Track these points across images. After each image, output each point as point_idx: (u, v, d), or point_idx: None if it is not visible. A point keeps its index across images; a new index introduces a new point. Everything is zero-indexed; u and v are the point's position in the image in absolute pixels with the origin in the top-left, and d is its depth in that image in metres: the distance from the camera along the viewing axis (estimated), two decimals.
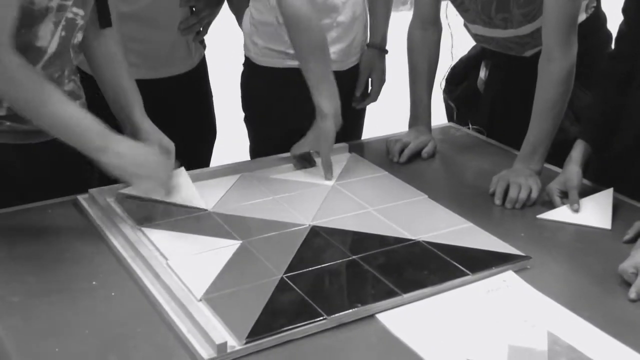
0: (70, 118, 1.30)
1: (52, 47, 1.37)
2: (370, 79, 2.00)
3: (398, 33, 1.98)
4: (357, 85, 1.98)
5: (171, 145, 1.47)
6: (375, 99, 2.02)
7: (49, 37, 1.36)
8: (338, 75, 1.68)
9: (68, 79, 1.47)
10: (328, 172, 1.60)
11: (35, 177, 1.47)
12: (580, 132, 1.57)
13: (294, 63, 1.76)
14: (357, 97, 2.00)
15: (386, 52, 2.00)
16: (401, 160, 1.73)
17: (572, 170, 1.52)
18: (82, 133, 1.30)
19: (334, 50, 1.81)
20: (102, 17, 1.46)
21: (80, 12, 1.39)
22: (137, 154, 1.33)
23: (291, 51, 1.76)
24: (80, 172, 1.55)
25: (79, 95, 1.53)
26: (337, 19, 1.83)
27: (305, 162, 1.65)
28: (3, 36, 1.26)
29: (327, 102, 1.59)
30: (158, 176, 1.37)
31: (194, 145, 1.96)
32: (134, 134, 1.48)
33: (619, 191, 1.55)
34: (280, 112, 1.85)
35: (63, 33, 1.38)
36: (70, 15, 1.38)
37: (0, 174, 1.43)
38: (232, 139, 1.96)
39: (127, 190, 1.44)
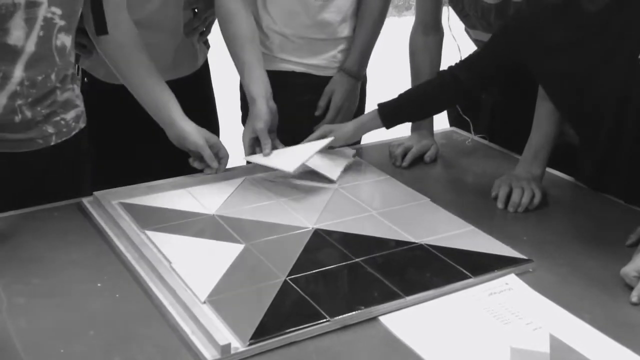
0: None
1: (30, 47, 1.35)
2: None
3: (401, 38, 1.98)
4: (317, 106, 1.88)
5: (214, 139, 1.56)
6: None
7: (22, 36, 1.34)
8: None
9: (62, 87, 1.46)
10: (266, 148, 1.60)
11: (24, 185, 1.47)
12: (381, 105, 1.65)
13: (282, 67, 1.79)
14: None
15: (356, 77, 1.89)
16: (404, 165, 1.74)
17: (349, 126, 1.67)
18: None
19: (324, 57, 1.83)
20: (97, 23, 1.45)
21: (58, 11, 1.36)
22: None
23: (276, 55, 1.78)
24: (72, 180, 1.55)
25: (76, 105, 1.53)
26: (335, 36, 1.84)
27: (256, 147, 1.66)
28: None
29: (255, 86, 1.63)
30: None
31: None
32: (177, 134, 1.53)
33: (620, 197, 1.56)
34: None
35: (41, 33, 1.36)
36: (48, 14, 1.35)
37: None
38: (234, 140, 1.97)
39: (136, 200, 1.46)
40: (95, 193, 1.48)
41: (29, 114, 1.42)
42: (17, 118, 1.40)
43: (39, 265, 1.27)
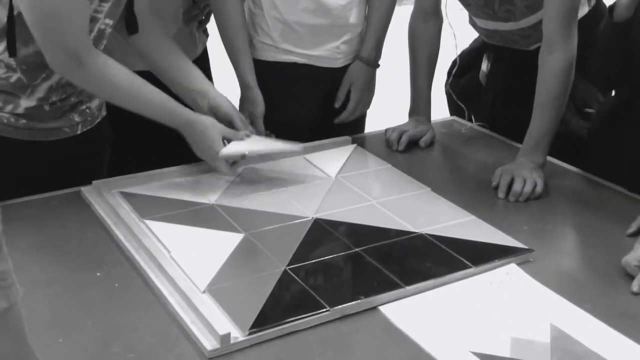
0: (156, 104, 1.43)
1: None
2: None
3: (400, 27, 1.97)
4: (336, 97, 1.86)
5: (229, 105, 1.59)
6: (349, 116, 1.86)
7: None
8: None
9: None
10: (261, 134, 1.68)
11: (48, 173, 1.49)
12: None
13: (284, 58, 1.79)
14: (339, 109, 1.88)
15: (374, 66, 1.87)
16: (400, 148, 1.73)
17: None
18: (170, 115, 1.46)
19: (327, 48, 1.82)
20: (130, 24, 1.49)
21: (110, 22, 1.43)
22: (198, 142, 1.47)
23: (278, 45, 1.78)
24: (93, 170, 1.56)
25: None
26: (336, 22, 1.82)
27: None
28: (85, 38, 1.35)
29: (250, 73, 1.74)
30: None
31: None
32: (211, 105, 1.56)
33: (622, 185, 1.55)
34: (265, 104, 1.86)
35: (91, 42, 1.41)
36: (102, 26, 1.42)
37: (15, 170, 1.45)
38: None
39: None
40: (94, 182, 1.47)
41: (58, 104, 1.46)
42: (47, 107, 1.44)
43: (38, 254, 1.27)
